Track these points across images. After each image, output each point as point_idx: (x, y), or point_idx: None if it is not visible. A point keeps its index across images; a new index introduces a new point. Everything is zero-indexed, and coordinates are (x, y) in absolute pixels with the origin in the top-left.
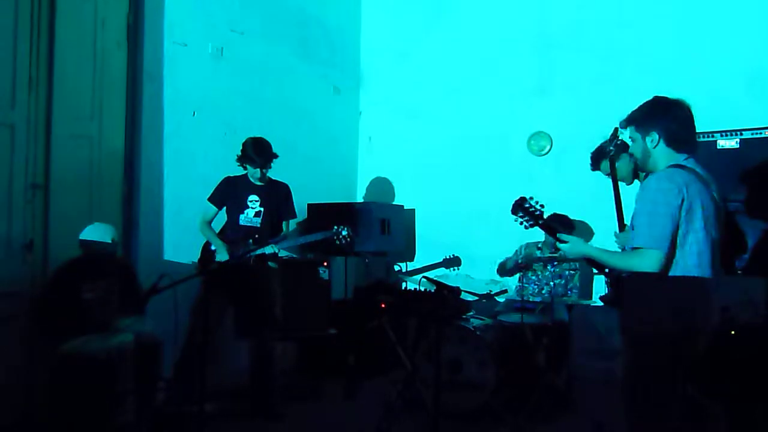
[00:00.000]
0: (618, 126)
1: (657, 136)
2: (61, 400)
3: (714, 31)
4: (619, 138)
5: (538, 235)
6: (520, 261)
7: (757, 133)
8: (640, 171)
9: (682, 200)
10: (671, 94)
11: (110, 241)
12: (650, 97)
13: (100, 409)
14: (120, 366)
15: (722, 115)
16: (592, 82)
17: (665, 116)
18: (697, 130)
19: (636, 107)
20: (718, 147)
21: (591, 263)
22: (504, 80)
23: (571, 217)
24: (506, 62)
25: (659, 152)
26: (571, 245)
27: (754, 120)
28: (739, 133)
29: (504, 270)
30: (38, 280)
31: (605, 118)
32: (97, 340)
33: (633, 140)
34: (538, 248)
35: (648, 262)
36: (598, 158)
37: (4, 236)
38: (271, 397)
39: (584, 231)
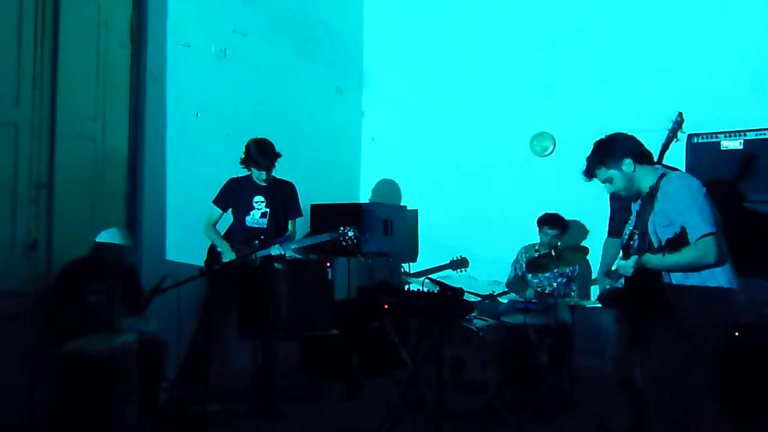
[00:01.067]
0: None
1: (630, 160)
2: (65, 400)
3: (718, 32)
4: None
5: (534, 235)
6: (517, 275)
7: (761, 134)
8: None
9: (704, 193)
10: (675, 94)
11: (125, 244)
12: (594, 144)
13: (104, 409)
14: (123, 366)
15: (726, 116)
16: (595, 83)
17: (623, 143)
18: (700, 131)
19: (589, 157)
20: (722, 148)
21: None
22: (507, 81)
23: (572, 218)
24: (509, 63)
25: (640, 173)
26: (626, 264)
27: (758, 121)
28: (743, 133)
29: (515, 286)
30: (42, 280)
31: (608, 118)
32: (101, 340)
33: (611, 180)
34: (536, 250)
35: (707, 248)
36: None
37: (8, 236)
38: (274, 397)
39: (579, 230)
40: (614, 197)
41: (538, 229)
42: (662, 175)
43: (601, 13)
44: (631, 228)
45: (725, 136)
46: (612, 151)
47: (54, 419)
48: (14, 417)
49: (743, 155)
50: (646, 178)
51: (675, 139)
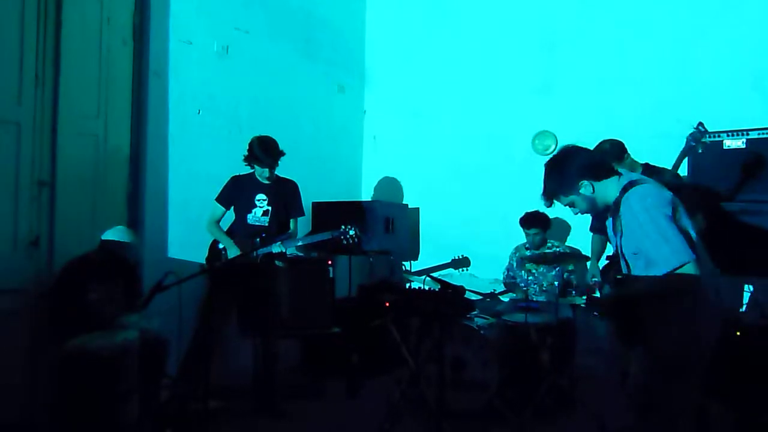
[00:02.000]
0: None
1: (587, 182)
2: (66, 397)
3: (720, 31)
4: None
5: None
6: (510, 275)
7: (763, 133)
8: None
9: (672, 208)
10: (676, 93)
11: (131, 241)
12: (545, 167)
13: (105, 407)
14: (124, 363)
15: (729, 115)
16: (597, 81)
17: (576, 163)
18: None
19: (545, 183)
20: (724, 147)
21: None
22: (509, 79)
23: (573, 218)
24: (511, 61)
25: (600, 190)
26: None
27: (760, 120)
28: (745, 133)
29: (507, 286)
30: (44, 277)
31: (610, 116)
32: (102, 337)
33: (572, 205)
34: (526, 248)
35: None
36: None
37: (10, 233)
38: (274, 395)
39: (561, 228)
40: None
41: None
42: (624, 189)
43: (603, 11)
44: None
45: (728, 136)
46: (567, 175)
47: (55, 417)
48: (15, 414)
49: (752, 156)
50: (609, 193)
51: (696, 150)
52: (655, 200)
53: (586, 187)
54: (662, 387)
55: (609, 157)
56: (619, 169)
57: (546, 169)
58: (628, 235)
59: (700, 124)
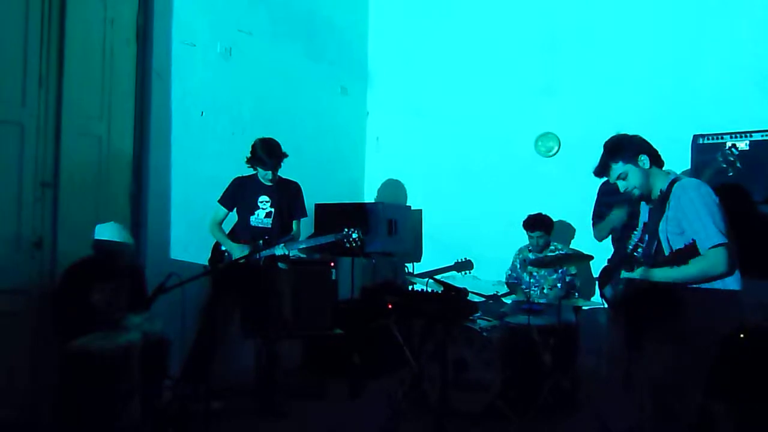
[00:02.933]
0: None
1: (646, 157)
2: (69, 398)
3: (723, 32)
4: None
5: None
6: (513, 276)
7: (766, 135)
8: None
9: (717, 202)
10: (680, 94)
11: (122, 241)
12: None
13: (107, 407)
14: (127, 364)
15: (732, 117)
16: (600, 83)
17: (638, 140)
18: (705, 132)
19: (603, 153)
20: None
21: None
22: (512, 80)
23: (575, 219)
24: (514, 62)
25: (654, 172)
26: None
27: (764, 121)
28: (749, 134)
29: (510, 287)
30: (47, 278)
31: (613, 118)
32: (105, 338)
33: (626, 175)
34: (529, 250)
35: (716, 259)
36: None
37: (13, 234)
38: (277, 395)
39: (565, 230)
40: (603, 192)
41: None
42: (674, 180)
43: (606, 12)
44: (636, 240)
45: (731, 137)
46: (628, 146)
47: (57, 417)
48: (18, 414)
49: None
50: (658, 181)
51: (726, 172)
52: (709, 190)
53: (644, 162)
54: (679, 386)
55: None
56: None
57: (608, 140)
58: (680, 216)
59: (733, 146)
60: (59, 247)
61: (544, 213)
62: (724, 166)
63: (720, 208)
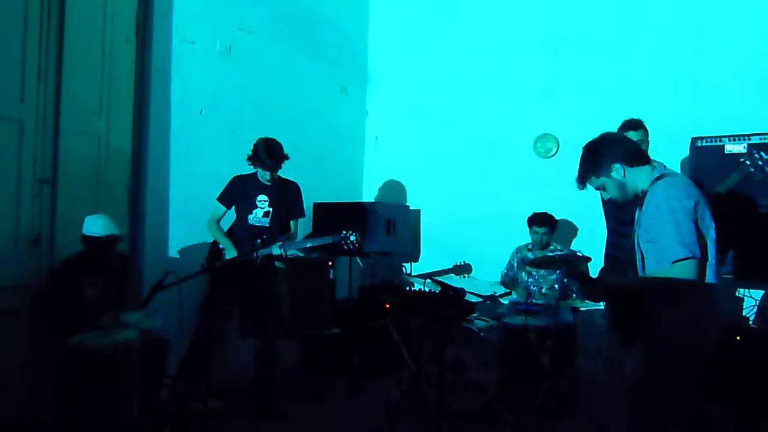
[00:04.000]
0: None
1: (619, 165)
2: (66, 396)
3: (722, 35)
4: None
5: (525, 237)
6: (509, 274)
7: (764, 138)
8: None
9: (695, 203)
10: (679, 97)
11: (106, 234)
12: (582, 149)
13: (105, 405)
14: (125, 362)
15: (730, 120)
16: (599, 84)
17: (612, 147)
18: (704, 135)
19: (579, 165)
20: (725, 151)
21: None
22: (511, 81)
23: (575, 220)
24: (513, 63)
25: (631, 176)
26: (595, 288)
27: (761, 125)
28: (746, 137)
29: (509, 284)
30: (45, 275)
31: (612, 120)
32: (103, 336)
33: (603, 187)
34: (529, 249)
35: (686, 272)
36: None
37: (12, 230)
38: (275, 395)
39: (568, 229)
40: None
41: (528, 228)
42: (654, 180)
43: (606, 14)
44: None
45: (729, 140)
46: (601, 157)
47: (55, 415)
48: (16, 412)
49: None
50: (639, 180)
51: (754, 177)
52: (680, 193)
53: (617, 171)
54: (655, 386)
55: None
56: (654, 163)
57: (583, 151)
58: (647, 222)
59: (761, 151)
60: (57, 244)
61: (549, 212)
62: (752, 170)
63: (690, 216)
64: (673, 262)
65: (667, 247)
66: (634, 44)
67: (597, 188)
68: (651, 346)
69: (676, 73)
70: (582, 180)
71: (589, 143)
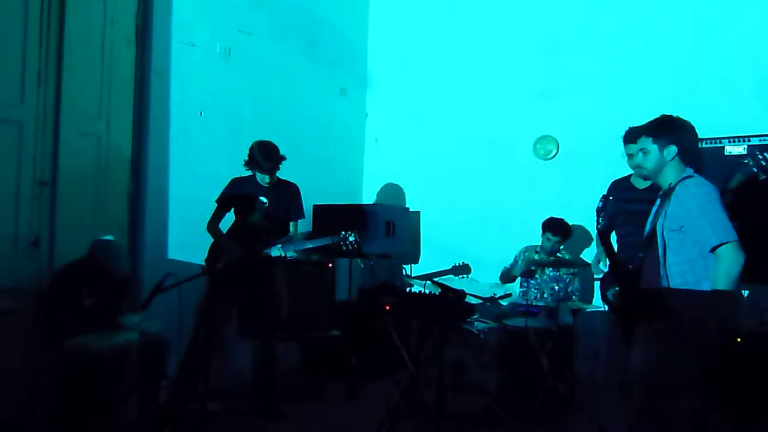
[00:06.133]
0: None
1: (675, 150)
2: (65, 397)
3: (722, 37)
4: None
5: (536, 238)
6: (522, 268)
7: (764, 140)
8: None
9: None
10: (679, 98)
11: (120, 267)
12: (660, 114)
13: (104, 407)
14: (124, 364)
15: (730, 122)
16: (598, 86)
17: (683, 131)
18: (704, 136)
19: (645, 123)
20: (725, 153)
21: None
22: (511, 83)
23: (574, 221)
24: (513, 65)
25: (672, 165)
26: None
27: (761, 126)
28: (746, 139)
29: (506, 278)
30: (44, 277)
31: (612, 121)
32: (102, 338)
33: (646, 152)
34: (536, 252)
35: (733, 256)
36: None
37: (11, 232)
38: (274, 396)
39: (582, 236)
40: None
41: (541, 232)
42: (683, 178)
43: (605, 16)
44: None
45: (729, 141)
46: (670, 130)
47: (54, 416)
48: (15, 414)
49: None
50: (673, 173)
51: (757, 176)
52: (712, 190)
53: (669, 152)
54: (667, 379)
55: None
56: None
57: (657, 117)
58: (676, 214)
59: (765, 152)
60: (57, 246)
61: (565, 220)
62: (755, 170)
63: (723, 207)
64: (716, 246)
65: (710, 232)
66: (633, 46)
67: (639, 150)
68: (670, 337)
69: (675, 74)
70: (637, 134)
71: (668, 115)
